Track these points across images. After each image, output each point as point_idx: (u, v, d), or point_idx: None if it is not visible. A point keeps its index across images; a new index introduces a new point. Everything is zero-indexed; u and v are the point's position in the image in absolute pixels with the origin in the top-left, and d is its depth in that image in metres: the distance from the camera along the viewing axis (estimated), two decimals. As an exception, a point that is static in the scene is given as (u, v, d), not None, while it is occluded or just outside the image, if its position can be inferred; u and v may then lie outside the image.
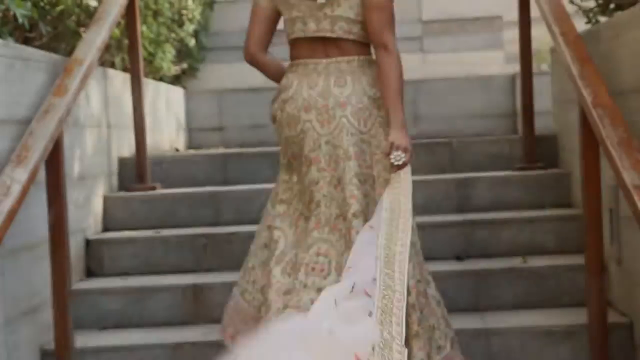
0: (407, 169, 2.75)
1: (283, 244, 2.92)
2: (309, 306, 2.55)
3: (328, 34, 2.84)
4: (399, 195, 2.67)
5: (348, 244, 2.76)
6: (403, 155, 2.72)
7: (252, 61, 3.00)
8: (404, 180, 2.73)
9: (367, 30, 2.83)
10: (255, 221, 3.88)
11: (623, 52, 3.11)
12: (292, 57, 2.93)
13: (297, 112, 2.86)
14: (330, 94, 2.82)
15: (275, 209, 2.97)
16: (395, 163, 2.72)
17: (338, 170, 2.82)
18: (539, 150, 4.31)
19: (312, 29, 2.86)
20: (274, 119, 2.95)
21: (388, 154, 2.75)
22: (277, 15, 2.95)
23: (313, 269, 2.82)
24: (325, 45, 2.87)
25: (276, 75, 3.02)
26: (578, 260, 3.52)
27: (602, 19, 3.92)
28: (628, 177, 2.57)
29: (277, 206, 2.97)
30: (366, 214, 2.80)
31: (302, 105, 2.84)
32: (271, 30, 2.98)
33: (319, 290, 2.66)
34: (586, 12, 3.96)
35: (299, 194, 2.93)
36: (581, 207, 3.59)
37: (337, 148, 2.80)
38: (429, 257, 3.72)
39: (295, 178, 2.94)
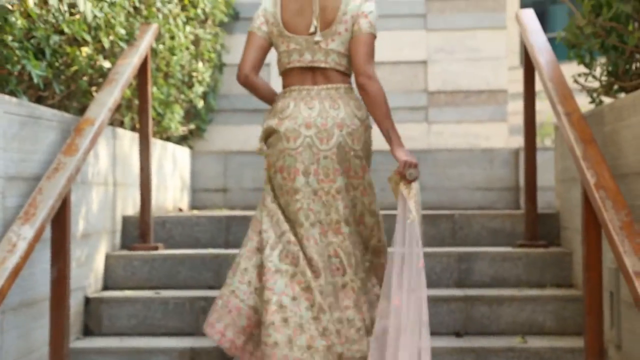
0: (417, 184, 3.19)
1: (272, 240, 3.27)
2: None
3: (322, 65, 3.29)
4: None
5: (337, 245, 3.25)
6: (414, 171, 3.15)
7: (246, 82, 3.41)
8: (416, 189, 3.18)
9: (353, 61, 3.28)
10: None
11: (626, 134, 3.15)
12: (285, 85, 3.38)
13: (297, 128, 3.25)
14: (328, 115, 3.25)
15: (263, 216, 3.33)
16: (411, 179, 3.15)
17: (336, 182, 3.25)
18: (540, 227, 4.34)
19: (307, 59, 3.30)
20: (268, 134, 3.33)
21: (402, 172, 3.16)
22: (269, 45, 3.41)
23: (333, 269, 3.26)
24: (313, 74, 3.32)
25: (267, 96, 3.46)
26: (578, 342, 3.52)
27: (606, 99, 3.98)
28: (629, 263, 2.59)
29: (264, 213, 3.34)
30: (353, 217, 3.30)
31: (303, 123, 3.25)
32: (263, 57, 3.41)
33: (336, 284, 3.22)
34: (590, 91, 4.02)
35: (285, 203, 3.30)
36: (582, 288, 3.60)
37: (333, 162, 3.24)
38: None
39: (282, 189, 3.30)
